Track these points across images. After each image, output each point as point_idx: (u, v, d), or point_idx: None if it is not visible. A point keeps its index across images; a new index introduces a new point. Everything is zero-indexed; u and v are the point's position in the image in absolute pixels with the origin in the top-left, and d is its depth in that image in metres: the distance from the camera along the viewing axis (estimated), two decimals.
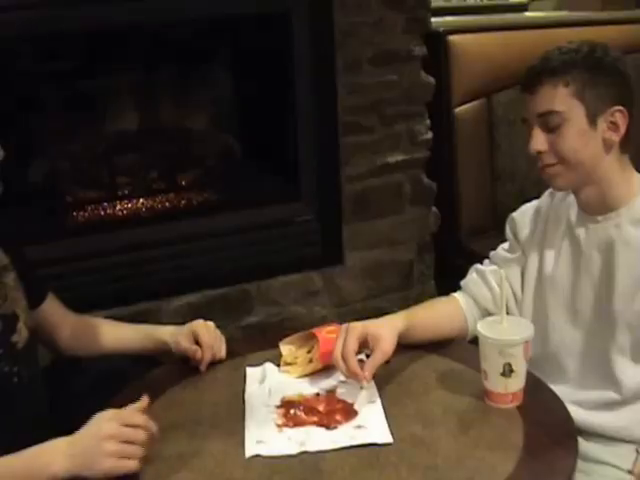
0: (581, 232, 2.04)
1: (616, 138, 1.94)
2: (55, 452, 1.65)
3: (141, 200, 3.46)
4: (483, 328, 1.80)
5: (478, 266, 2.28)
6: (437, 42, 3.69)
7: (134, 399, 1.75)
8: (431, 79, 3.63)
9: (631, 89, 1.96)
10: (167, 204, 3.50)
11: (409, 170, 3.66)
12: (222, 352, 2.12)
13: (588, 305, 2.01)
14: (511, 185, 3.79)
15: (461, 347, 2.15)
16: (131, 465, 1.63)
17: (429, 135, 3.67)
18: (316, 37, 3.28)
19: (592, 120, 1.92)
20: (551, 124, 1.94)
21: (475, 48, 3.81)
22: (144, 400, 1.73)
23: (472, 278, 2.26)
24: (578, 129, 1.93)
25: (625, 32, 4.08)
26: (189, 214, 3.43)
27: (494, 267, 2.22)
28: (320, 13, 3.28)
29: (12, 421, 1.91)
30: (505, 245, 2.27)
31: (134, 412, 1.71)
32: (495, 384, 1.78)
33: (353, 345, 1.91)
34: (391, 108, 3.55)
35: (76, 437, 1.67)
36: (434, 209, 3.77)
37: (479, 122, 3.83)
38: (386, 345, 1.94)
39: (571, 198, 2.09)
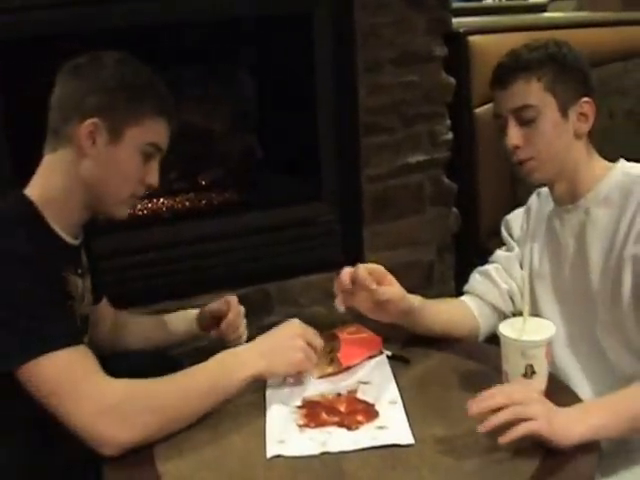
0: (557, 224, 2.16)
1: (585, 128, 2.07)
2: (246, 354, 1.83)
3: (162, 200, 3.46)
4: (505, 329, 1.80)
5: (479, 268, 2.35)
6: (457, 43, 3.68)
7: None
8: (452, 79, 3.63)
9: (593, 82, 2.09)
10: (188, 204, 3.50)
11: (430, 171, 3.66)
12: (243, 332, 2.23)
13: (570, 291, 2.12)
14: (531, 185, 3.77)
15: (481, 348, 2.17)
16: (311, 366, 1.90)
17: (449, 136, 3.67)
18: (337, 38, 3.28)
19: (564, 112, 2.04)
20: (526, 118, 2.04)
21: (495, 49, 3.76)
22: None
23: (475, 279, 2.33)
24: (552, 121, 2.04)
25: None
26: (210, 214, 3.43)
27: (496, 264, 2.30)
28: (341, 14, 3.28)
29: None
30: (503, 248, 2.35)
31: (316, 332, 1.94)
32: None
33: (368, 267, 2.02)
34: (412, 109, 3.54)
35: (261, 340, 1.87)
36: (454, 210, 3.77)
37: None
38: (395, 290, 2.03)
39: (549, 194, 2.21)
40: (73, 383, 1.67)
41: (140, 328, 2.43)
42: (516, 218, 2.35)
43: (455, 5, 3.78)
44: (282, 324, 1.91)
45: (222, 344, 2.17)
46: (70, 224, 1.99)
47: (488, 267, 2.31)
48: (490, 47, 3.77)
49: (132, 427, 1.66)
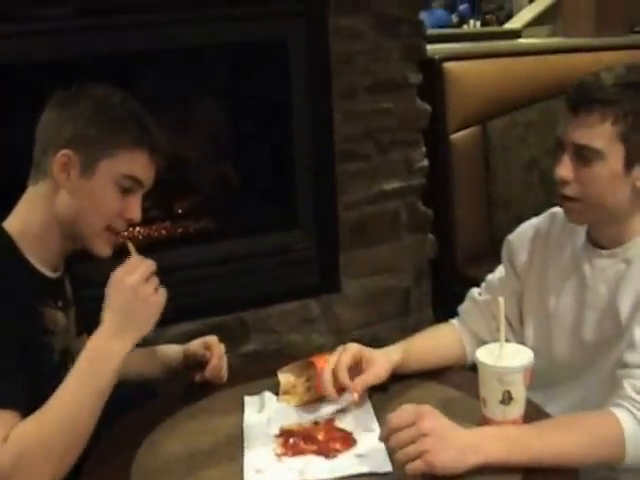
0: (587, 267, 1.98)
1: None
2: (107, 334, 1.73)
3: (137, 228, 3.44)
4: (482, 355, 1.78)
5: (474, 294, 2.27)
6: (432, 69, 3.71)
7: (132, 428, 1.75)
8: (427, 106, 3.64)
9: None
10: (163, 232, 3.49)
11: (405, 197, 3.66)
12: (225, 372, 2.15)
13: (593, 334, 1.96)
14: (507, 211, 3.79)
15: (459, 374, 2.15)
16: (165, 294, 1.81)
17: (425, 162, 3.68)
18: (312, 65, 3.30)
19: (629, 166, 1.83)
20: (585, 157, 1.84)
21: (470, 75, 3.83)
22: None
23: (467, 308, 2.26)
24: (611, 171, 1.83)
25: (619, 58, 4.09)
26: (186, 242, 3.42)
27: (488, 297, 2.20)
28: (316, 42, 3.30)
29: None
30: (501, 270, 2.23)
31: (127, 262, 1.84)
32: (494, 412, 1.76)
33: (347, 360, 1.92)
34: (387, 135, 3.55)
35: (112, 312, 1.76)
36: (431, 236, 3.77)
37: (475, 149, 3.84)
38: (378, 369, 1.95)
39: (577, 226, 2.03)
40: None
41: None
42: (521, 241, 2.16)
43: (429, 32, 3.81)
44: (110, 283, 1.79)
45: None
46: (49, 257, 1.96)
47: (480, 299, 2.22)
48: (465, 73, 3.80)
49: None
